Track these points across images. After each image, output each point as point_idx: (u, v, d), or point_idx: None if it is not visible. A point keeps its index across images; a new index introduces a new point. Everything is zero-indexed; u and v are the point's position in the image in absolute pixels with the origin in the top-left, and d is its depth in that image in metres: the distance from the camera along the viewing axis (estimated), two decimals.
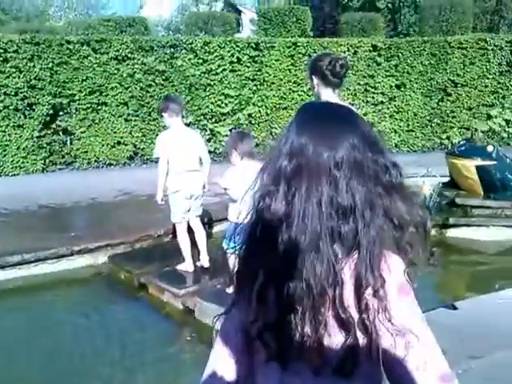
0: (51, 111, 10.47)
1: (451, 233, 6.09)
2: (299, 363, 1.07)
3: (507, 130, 11.97)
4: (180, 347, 3.87)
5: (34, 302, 4.80)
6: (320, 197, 1.03)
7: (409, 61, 11.72)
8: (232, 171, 4.08)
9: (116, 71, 10.73)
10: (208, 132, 11.20)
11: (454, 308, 3.68)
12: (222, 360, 1.20)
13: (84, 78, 10.61)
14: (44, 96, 10.32)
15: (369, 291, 1.03)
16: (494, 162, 6.12)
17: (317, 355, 1.05)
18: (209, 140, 11.25)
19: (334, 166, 1.04)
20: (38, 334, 4.11)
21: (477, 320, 3.49)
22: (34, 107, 10.33)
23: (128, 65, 10.75)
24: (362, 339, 1.04)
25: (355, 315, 1.04)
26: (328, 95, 3.38)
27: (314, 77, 3.36)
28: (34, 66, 10.20)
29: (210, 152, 11.04)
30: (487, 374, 2.85)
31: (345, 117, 1.14)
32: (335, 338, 1.04)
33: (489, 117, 11.93)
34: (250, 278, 1.11)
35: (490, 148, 6.21)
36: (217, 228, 6.69)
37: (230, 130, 11.28)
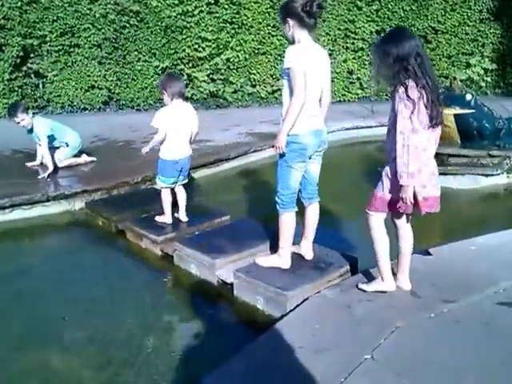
0: (22, 53, 10.11)
1: None
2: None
3: (485, 79, 11.97)
4: (159, 293, 3.89)
5: (9, 248, 4.77)
6: (426, 57, 2.88)
7: (390, 6, 11.51)
8: (163, 112, 4.43)
9: (88, 11, 10.34)
10: (185, 77, 10.94)
11: (428, 254, 3.76)
12: None
13: (55, 18, 10.22)
14: (14, 37, 9.95)
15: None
16: (472, 111, 6.13)
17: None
18: (186, 86, 11.00)
19: (419, 47, 2.87)
20: (14, 280, 4.09)
21: (450, 266, 3.58)
22: (3, 48, 9.96)
23: (100, 5, 10.36)
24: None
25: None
26: (304, 38, 3.32)
27: (289, 19, 3.30)
28: (2, 5, 9.77)
29: (187, 98, 10.92)
30: (458, 318, 2.95)
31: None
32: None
33: (468, 65, 11.89)
34: (422, 103, 2.82)
35: (468, 96, 6.20)
36: (195, 175, 6.66)
37: (208, 76, 11.06)
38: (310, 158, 3.49)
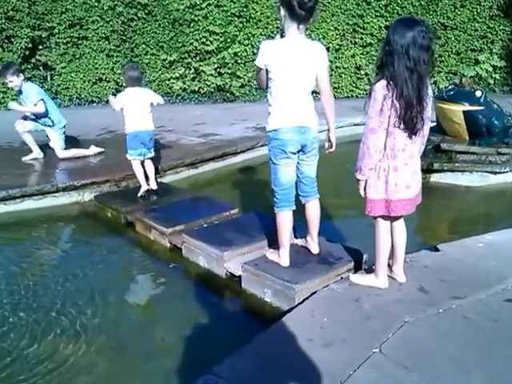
0: (30, 45, 10.13)
1: (435, 178, 6.14)
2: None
3: (494, 76, 11.91)
4: (167, 284, 3.92)
5: (20, 238, 4.81)
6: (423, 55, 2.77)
7: (399, 1, 11.46)
8: (122, 95, 5.33)
9: (96, 3, 10.35)
10: (192, 71, 10.95)
11: (437, 250, 3.77)
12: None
13: (63, 10, 10.24)
14: (22, 28, 9.97)
15: None
16: (482, 108, 6.09)
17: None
18: (193, 79, 11.01)
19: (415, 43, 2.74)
20: (24, 270, 4.13)
21: (458, 262, 3.59)
22: (12, 40, 9.98)
23: None
24: None
25: None
26: (291, 30, 3.24)
27: (281, 8, 3.22)
28: None
29: (194, 92, 11.00)
30: (466, 314, 2.96)
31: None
32: None
33: (476, 62, 11.83)
34: (391, 104, 2.79)
35: (478, 93, 6.15)
36: (202, 169, 6.69)
37: (215, 69, 11.05)
38: (294, 155, 3.41)
